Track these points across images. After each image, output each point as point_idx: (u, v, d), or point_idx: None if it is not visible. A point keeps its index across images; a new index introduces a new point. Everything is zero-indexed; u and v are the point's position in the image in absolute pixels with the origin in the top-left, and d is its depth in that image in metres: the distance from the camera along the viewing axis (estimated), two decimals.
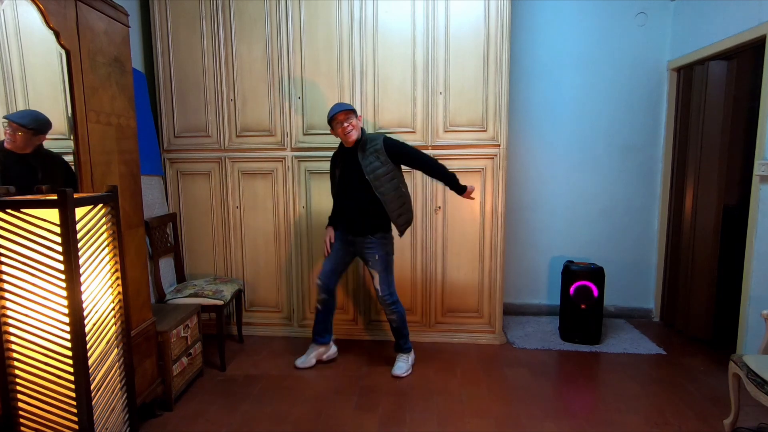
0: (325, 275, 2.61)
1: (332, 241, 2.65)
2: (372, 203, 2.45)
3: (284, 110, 2.99)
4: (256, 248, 3.13)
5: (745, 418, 2.11)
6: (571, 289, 3.02)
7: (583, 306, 2.99)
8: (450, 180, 2.49)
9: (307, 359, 2.70)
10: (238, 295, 3.00)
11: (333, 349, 2.78)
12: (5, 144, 1.68)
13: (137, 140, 2.12)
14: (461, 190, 2.50)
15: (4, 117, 1.67)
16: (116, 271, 1.65)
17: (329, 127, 2.50)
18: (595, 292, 2.98)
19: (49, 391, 1.44)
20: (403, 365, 2.61)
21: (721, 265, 2.92)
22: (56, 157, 1.80)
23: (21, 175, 1.70)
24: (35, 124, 1.73)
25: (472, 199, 2.57)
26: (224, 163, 3.08)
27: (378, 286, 2.55)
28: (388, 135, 2.56)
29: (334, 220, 2.68)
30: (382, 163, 2.42)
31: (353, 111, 2.44)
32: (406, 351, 2.67)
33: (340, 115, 2.40)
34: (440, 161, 2.52)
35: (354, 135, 2.43)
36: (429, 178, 2.90)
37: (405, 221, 2.54)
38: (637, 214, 3.46)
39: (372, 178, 2.41)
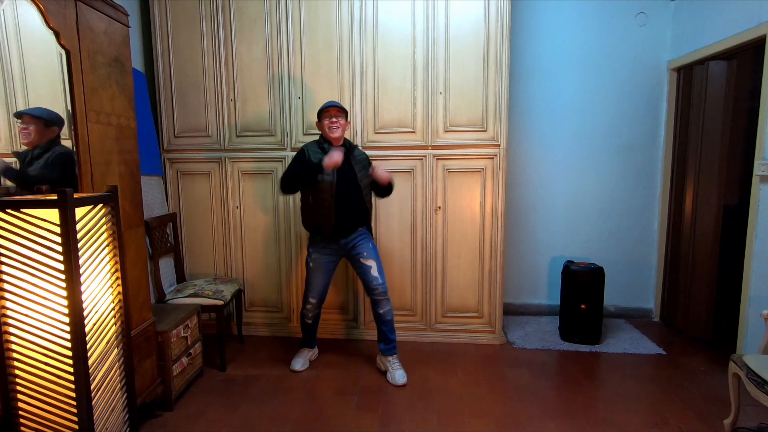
0: (318, 294, 2.62)
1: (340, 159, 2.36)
2: (362, 200, 2.52)
3: (284, 110, 2.99)
4: (256, 248, 3.13)
5: (745, 418, 2.11)
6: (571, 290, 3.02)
7: (583, 306, 2.99)
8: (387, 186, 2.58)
9: (305, 362, 2.71)
10: (238, 295, 3.00)
11: (316, 350, 2.86)
12: (23, 141, 1.70)
13: (137, 140, 2.12)
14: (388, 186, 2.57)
15: (16, 113, 1.68)
16: (116, 271, 1.65)
17: (317, 119, 2.52)
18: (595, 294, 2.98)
19: (49, 391, 1.44)
20: (402, 372, 2.53)
21: (721, 265, 2.92)
22: (72, 154, 1.79)
23: (42, 176, 1.71)
24: (45, 114, 1.75)
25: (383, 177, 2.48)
26: (224, 163, 3.08)
27: (377, 275, 2.52)
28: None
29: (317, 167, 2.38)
30: (368, 176, 2.53)
31: (346, 113, 2.52)
32: (396, 350, 2.62)
33: (334, 109, 2.44)
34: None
35: (338, 133, 2.46)
36: (429, 178, 2.92)
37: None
38: (637, 214, 3.46)
39: (363, 185, 2.51)
